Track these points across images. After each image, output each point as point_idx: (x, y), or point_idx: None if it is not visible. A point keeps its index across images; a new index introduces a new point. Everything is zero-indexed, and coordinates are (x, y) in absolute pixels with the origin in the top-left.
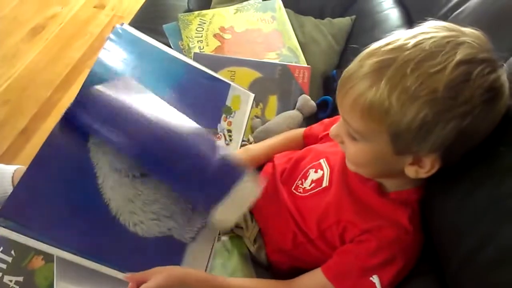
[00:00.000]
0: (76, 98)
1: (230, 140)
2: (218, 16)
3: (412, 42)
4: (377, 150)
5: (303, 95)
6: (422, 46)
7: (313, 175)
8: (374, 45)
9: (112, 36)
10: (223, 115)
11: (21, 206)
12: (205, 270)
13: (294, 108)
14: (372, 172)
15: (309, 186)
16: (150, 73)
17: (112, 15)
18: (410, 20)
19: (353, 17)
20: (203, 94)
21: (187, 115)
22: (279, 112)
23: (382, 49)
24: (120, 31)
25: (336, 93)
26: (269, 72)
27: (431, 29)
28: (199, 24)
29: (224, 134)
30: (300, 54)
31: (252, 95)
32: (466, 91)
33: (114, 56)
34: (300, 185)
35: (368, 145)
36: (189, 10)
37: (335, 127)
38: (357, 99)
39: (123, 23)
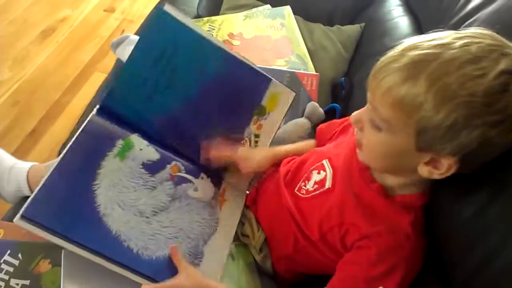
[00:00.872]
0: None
1: (256, 146)
2: (227, 22)
3: (459, 42)
4: (398, 143)
5: (312, 102)
6: (469, 49)
7: (315, 177)
8: (418, 38)
9: (154, 17)
10: (254, 117)
11: (43, 209)
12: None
13: (302, 116)
14: (383, 165)
15: (312, 187)
16: (188, 61)
17: (121, 19)
18: (420, 29)
19: (362, 24)
20: (238, 89)
21: (218, 112)
22: (287, 119)
23: (427, 43)
24: (161, 13)
25: (368, 78)
26: (277, 79)
27: (478, 34)
28: (208, 30)
29: (250, 139)
30: (309, 61)
31: (293, 94)
32: (502, 101)
33: (153, 40)
34: (303, 187)
35: (391, 136)
36: (198, 16)
37: (359, 112)
38: (391, 89)
39: (165, 4)
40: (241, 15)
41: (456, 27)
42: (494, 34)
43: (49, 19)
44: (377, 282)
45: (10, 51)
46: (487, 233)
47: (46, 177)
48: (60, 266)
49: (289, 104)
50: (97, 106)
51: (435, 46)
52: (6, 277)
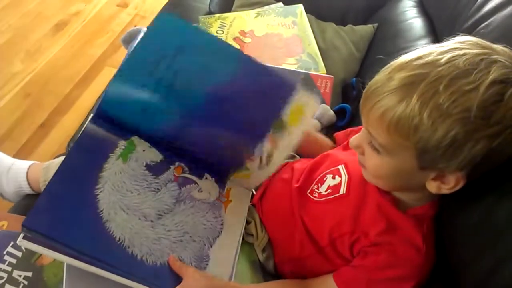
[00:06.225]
0: (99, 105)
1: (267, 164)
2: (238, 19)
3: (444, 58)
4: (400, 164)
5: (323, 105)
6: (456, 63)
7: (330, 181)
8: (404, 58)
9: (153, 21)
10: (271, 132)
11: (45, 217)
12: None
13: (313, 117)
14: (391, 185)
15: (325, 191)
16: (194, 64)
17: (134, 14)
18: (434, 31)
19: (376, 25)
20: (255, 97)
21: (228, 119)
22: None
23: (414, 63)
24: (161, 17)
25: (360, 102)
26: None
27: (463, 45)
28: (219, 27)
29: (261, 157)
30: (320, 60)
31: (319, 105)
32: (498, 111)
33: (152, 44)
34: (316, 190)
35: (392, 159)
36: (210, 13)
37: (357, 137)
38: (385, 114)
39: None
40: (253, 12)
41: (471, 30)
42: (480, 40)
43: (62, 13)
44: (380, 285)
45: (23, 44)
46: (495, 239)
47: (47, 183)
48: None
49: (312, 117)
50: (94, 112)
51: (422, 65)
52: (9, 269)
